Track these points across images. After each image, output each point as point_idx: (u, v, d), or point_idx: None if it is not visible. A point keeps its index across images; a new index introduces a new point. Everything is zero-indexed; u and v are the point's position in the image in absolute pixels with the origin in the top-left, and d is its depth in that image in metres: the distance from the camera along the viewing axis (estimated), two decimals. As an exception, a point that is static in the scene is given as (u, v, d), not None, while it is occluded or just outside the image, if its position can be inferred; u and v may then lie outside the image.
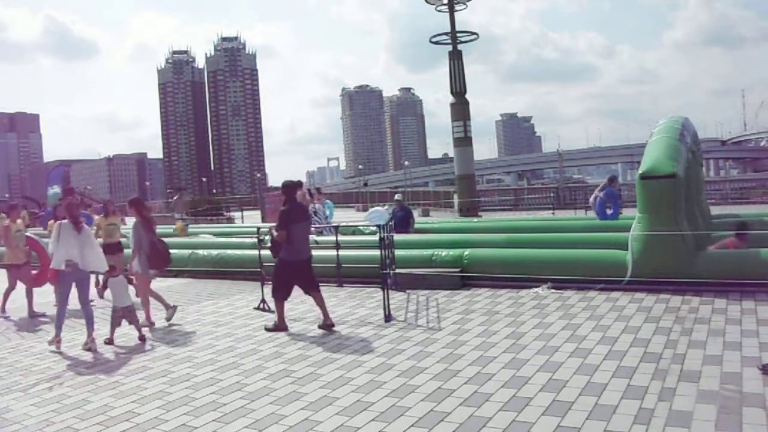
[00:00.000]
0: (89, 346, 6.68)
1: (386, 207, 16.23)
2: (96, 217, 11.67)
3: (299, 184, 7.42)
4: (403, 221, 13.06)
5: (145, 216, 7.85)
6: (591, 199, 13.38)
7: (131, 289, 7.46)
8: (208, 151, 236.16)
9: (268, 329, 7.08)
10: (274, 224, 7.53)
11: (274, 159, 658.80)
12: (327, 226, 12.28)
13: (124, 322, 7.13)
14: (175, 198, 16.05)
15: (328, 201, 14.96)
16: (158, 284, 10.89)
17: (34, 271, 9.40)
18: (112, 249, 9.66)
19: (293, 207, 7.18)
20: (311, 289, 7.21)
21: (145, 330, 7.29)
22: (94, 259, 7.04)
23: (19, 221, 9.66)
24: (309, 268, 7.27)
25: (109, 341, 6.94)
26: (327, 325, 6.97)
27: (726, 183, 36.67)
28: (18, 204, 10.77)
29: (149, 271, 7.79)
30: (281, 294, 7.17)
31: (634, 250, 8.11)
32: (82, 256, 6.87)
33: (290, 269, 7.12)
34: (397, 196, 14.86)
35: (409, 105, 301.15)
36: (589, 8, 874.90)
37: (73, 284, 6.95)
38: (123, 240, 10.20)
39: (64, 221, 7.03)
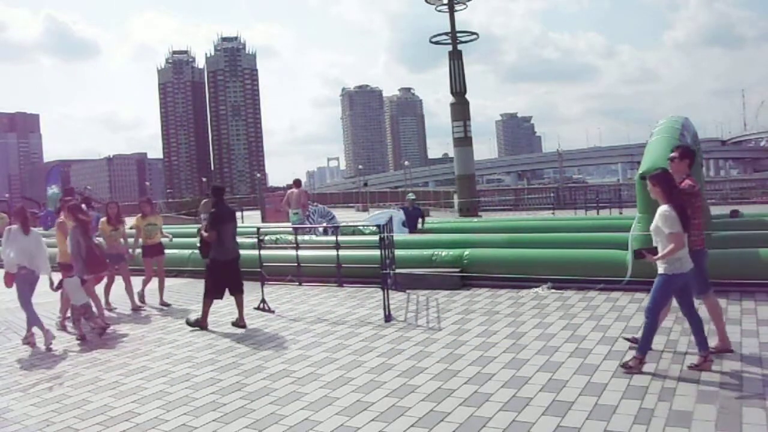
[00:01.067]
0: (28, 341, 7.20)
1: (396, 209, 16.23)
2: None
3: (222, 189, 8.07)
4: (414, 221, 13.28)
5: (81, 221, 7.91)
6: None
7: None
8: (208, 151, 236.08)
9: (189, 323, 7.51)
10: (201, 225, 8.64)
11: (274, 159, 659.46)
12: (329, 227, 12.35)
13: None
14: (204, 201, 15.75)
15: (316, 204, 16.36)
16: (154, 284, 10.90)
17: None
18: (153, 251, 9.36)
19: (222, 208, 7.56)
20: (236, 290, 7.47)
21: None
22: (42, 262, 7.33)
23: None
24: (237, 268, 7.57)
25: (81, 337, 7.28)
26: (240, 325, 7.33)
27: (726, 183, 36.69)
28: (71, 200, 9.65)
29: (85, 276, 7.80)
30: (213, 294, 7.44)
31: (634, 250, 8.10)
32: (31, 258, 7.18)
33: (220, 269, 7.42)
34: (410, 195, 14.90)
35: (409, 105, 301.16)
36: (590, 8, 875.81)
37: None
38: (164, 240, 9.76)
39: (13, 226, 7.38)
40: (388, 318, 7.20)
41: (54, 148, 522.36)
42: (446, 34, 23.07)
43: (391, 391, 4.79)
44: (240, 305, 7.45)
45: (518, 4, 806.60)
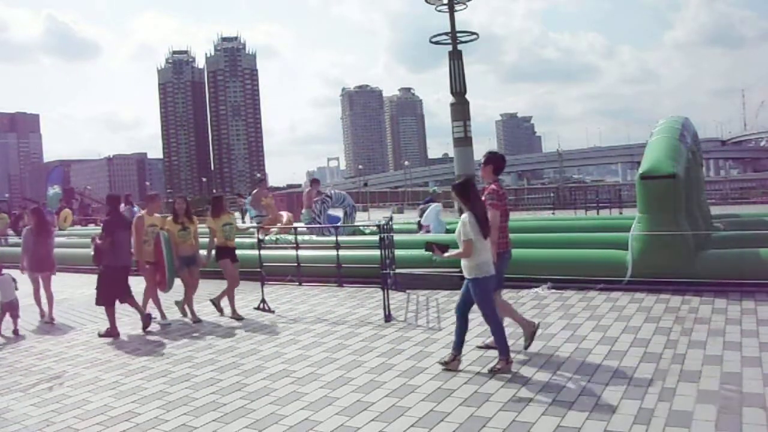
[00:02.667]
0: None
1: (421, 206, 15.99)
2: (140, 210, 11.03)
3: (118, 197, 9.19)
4: (438, 214, 13.53)
5: (41, 223, 8.90)
6: None
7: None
8: (208, 151, 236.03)
9: (101, 335, 7.45)
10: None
11: (274, 159, 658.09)
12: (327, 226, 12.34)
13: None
14: (254, 192, 14.94)
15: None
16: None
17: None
18: (231, 254, 8.22)
19: (116, 216, 8.09)
20: (126, 296, 7.73)
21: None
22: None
23: (156, 215, 8.18)
24: (127, 275, 7.83)
25: (15, 332, 7.84)
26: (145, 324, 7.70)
27: (726, 183, 36.69)
28: (156, 194, 8.58)
29: (32, 273, 8.70)
30: (108, 300, 7.57)
31: (634, 250, 8.11)
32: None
33: (114, 275, 7.63)
34: (433, 188, 14.93)
35: (409, 105, 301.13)
36: (590, 8, 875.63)
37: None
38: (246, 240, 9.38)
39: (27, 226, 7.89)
40: (388, 318, 7.20)
41: (54, 148, 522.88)
42: (446, 34, 23.06)
43: (391, 391, 4.79)
44: (137, 306, 7.77)
45: (518, 4, 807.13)
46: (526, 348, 5.63)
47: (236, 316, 7.93)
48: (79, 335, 7.58)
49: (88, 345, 7.04)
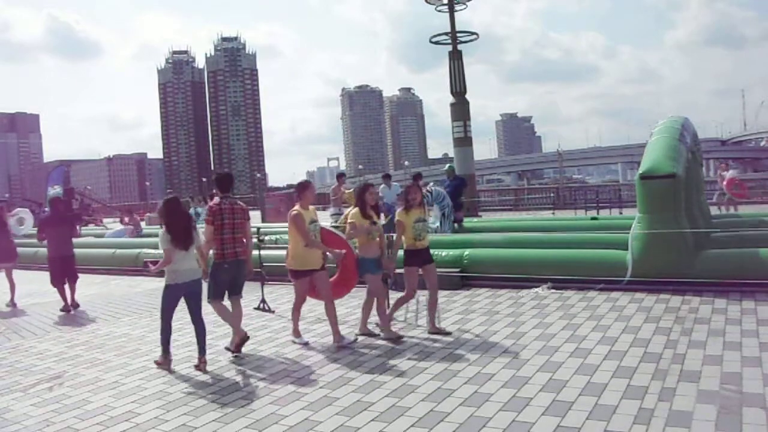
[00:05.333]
0: None
1: (431, 185, 14.79)
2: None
3: (57, 200, 10.95)
4: (456, 191, 13.06)
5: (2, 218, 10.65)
6: None
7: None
8: (208, 151, 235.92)
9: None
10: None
11: (274, 159, 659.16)
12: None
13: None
14: (333, 187, 13.99)
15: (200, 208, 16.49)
16: (159, 284, 10.88)
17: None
18: (422, 256, 6.73)
19: (53, 213, 10.07)
20: (72, 279, 9.50)
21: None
22: None
23: (311, 207, 6.51)
24: (63, 264, 9.49)
25: None
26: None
27: (746, 182, 36.54)
28: (309, 182, 6.85)
29: None
30: (56, 282, 9.47)
31: (634, 250, 8.11)
32: None
33: (53, 263, 9.50)
34: (448, 166, 14.44)
35: (409, 105, 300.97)
36: (591, 8, 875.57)
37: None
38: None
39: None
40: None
41: (54, 148, 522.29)
42: (446, 34, 23.05)
43: (391, 391, 4.79)
44: (71, 292, 9.39)
45: (519, 4, 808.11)
46: (229, 350, 6.16)
47: (438, 330, 6.55)
48: (79, 335, 7.57)
49: (88, 345, 7.04)
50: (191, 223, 5.95)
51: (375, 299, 6.60)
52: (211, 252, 6.21)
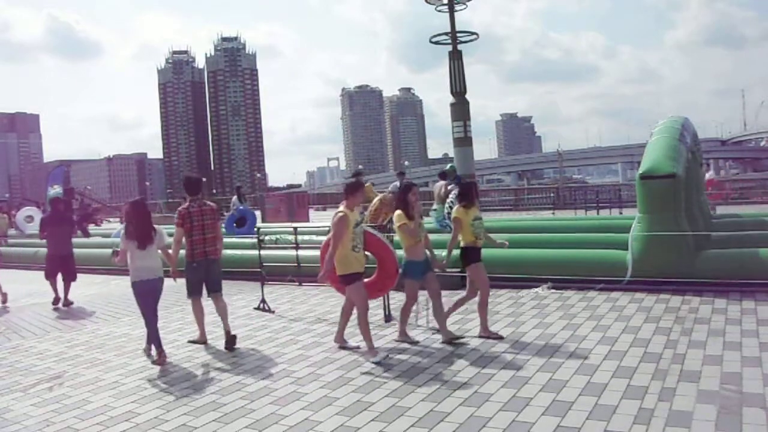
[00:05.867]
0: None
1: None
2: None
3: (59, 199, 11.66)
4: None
5: None
6: None
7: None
8: (208, 151, 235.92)
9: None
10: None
11: (274, 159, 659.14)
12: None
13: None
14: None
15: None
16: (168, 284, 10.90)
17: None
18: (478, 254, 6.44)
19: (53, 214, 10.45)
20: (52, 275, 9.94)
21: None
22: None
23: (355, 210, 5.97)
24: (60, 262, 9.96)
25: None
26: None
27: (726, 183, 36.63)
28: (360, 182, 6.34)
29: None
30: (50, 275, 9.98)
31: (634, 250, 8.11)
32: None
33: (51, 259, 10.06)
34: (449, 166, 13.99)
35: (409, 105, 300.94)
36: (591, 8, 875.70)
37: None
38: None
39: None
40: (388, 318, 7.19)
41: (54, 148, 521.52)
42: (446, 34, 23.04)
43: (391, 391, 4.79)
44: (66, 288, 9.88)
45: (519, 4, 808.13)
46: (193, 342, 6.75)
47: (490, 335, 6.17)
48: (79, 335, 7.58)
49: (88, 345, 7.04)
50: (151, 225, 6.21)
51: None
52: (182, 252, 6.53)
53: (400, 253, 6.49)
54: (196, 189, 6.68)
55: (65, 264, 9.93)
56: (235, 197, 16.85)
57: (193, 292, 6.54)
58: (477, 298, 6.30)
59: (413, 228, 6.08)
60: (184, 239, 6.47)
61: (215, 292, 6.63)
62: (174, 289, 10.35)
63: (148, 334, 6.24)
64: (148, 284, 6.11)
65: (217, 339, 6.86)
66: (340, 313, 6.32)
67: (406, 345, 6.10)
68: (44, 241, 10.38)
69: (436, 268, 6.35)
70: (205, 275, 6.55)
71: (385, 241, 6.49)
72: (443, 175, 13.49)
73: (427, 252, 6.34)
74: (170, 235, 6.62)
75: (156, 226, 6.28)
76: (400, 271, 6.33)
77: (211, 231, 6.54)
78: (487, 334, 6.19)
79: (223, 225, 13.07)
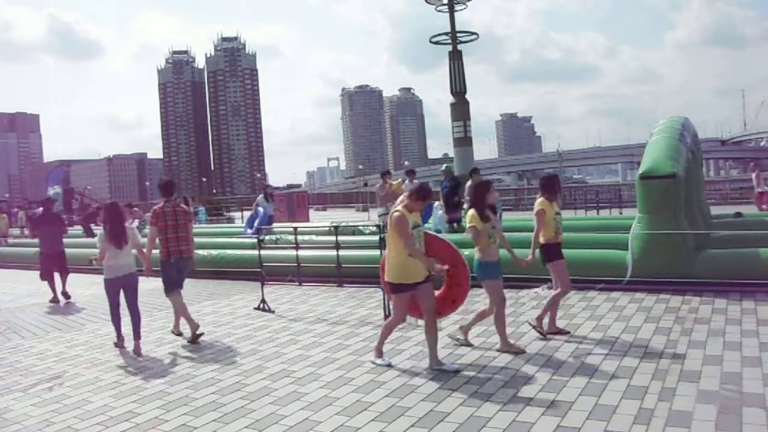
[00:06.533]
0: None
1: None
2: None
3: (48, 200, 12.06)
4: (453, 192, 12.30)
5: None
6: None
7: None
8: (208, 151, 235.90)
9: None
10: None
11: (274, 159, 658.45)
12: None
13: None
14: (378, 185, 12.85)
15: (200, 207, 17.67)
16: (159, 284, 10.91)
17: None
18: (559, 250, 6.40)
19: (44, 215, 11.07)
20: (48, 274, 10.31)
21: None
22: None
23: (414, 214, 5.32)
24: (53, 260, 10.40)
25: None
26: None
27: (726, 183, 36.63)
28: (430, 191, 5.59)
29: None
30: (44, 275, 10.37)
31: (634, 250, 8.11)
32: None
33: (44, 258, 10.46)
34: (445, 166, 13.84)
35: (409, 105, 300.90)
36: (591, 8, 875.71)
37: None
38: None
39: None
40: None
41: (54, 148, 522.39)
42: (446, 34, 23.06)
43: (391, 391, 4.79)
44: (62, 283, 10.27)
45: (519, 4, 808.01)
46: (173, 333, 7.15)
47: (559, 330, 6.08)
48: (79, 335, 7.57)
49: (88, 345, 7.04)
50: (124, 226, 6.72)
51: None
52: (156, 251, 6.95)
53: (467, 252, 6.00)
54: (170, 191, 7.10)
55: (59, 261, 10.31)
56: (261, 196, 16.21)
57: (170, 289, 6.94)
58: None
59: (482, 230, 5.64)
60: (158, 239, 6.88)
61: (178, 287, 7.07)
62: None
63: (114, 325, 6.75)
64: (124, 280, 6.57)
65: (217, 338, 6.87)
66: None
67: (406, 345, 6.09)
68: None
69: (523, 265, 6.03)
70: (178, 272, 6.98)
71: (453, 246, 5.79)
72: (411, 173, 13.75)
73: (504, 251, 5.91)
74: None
75: (127, 225, 6.84)
76: (473, 275, 5.78)
77: (183, 230, 6.96)
78: (555, 330, 6.07)
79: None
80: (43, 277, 10.30)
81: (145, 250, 6.86)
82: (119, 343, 6.73)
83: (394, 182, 12.72)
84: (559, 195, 6.36)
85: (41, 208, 11.95)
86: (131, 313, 6.60)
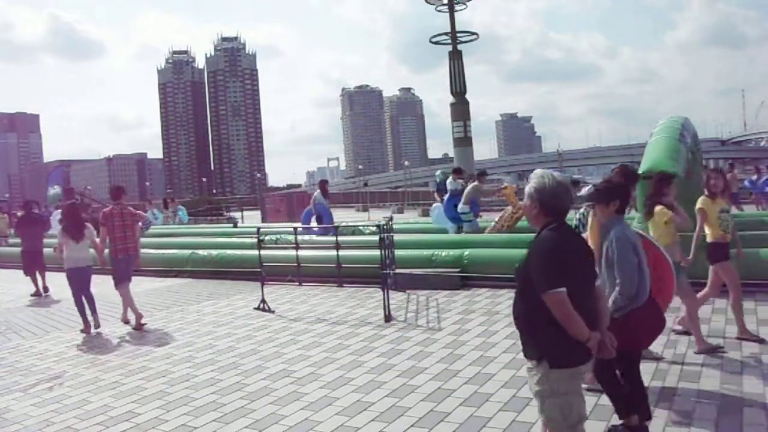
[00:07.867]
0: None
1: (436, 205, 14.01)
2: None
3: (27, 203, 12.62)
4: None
5: None
6: None
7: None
8: (208, 151, 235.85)
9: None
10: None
11: (274, 159, 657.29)
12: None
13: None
14: (473, 184, 12.42)
15: (180, 207, 18.79)
16: (159, 284, 10.93)
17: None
18: (726, 251, 5.93)
19: (28, 215, 11.84)
20: (30, 270, 11.08)
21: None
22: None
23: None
24: (33, 258, 11.15)
25: None
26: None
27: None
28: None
29: None
30: (26, 271, 11.21)
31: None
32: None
33: (26, 256, 11.27)
34: (438, 173, 13.81)
35: (409, 105, 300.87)
36: (591, 8, 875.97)
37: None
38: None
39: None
40: (388, 318, 7.19)
41: (54, 148, 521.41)
42: (446, 34, 23.08)
43: (391, 391, 4.79)
44: (42, 277, 11.03)
45: (520, 4, 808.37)
46: (127, 323, 7.82)
47: (750, 336, 5.60)
48: (79, 335, 7.57)
49: (88, 345, 7.04)
50: (82, 223, 7.82)
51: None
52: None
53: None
54: (118, 196, 8.06)
55: (37, 258, 11.14)
56: (318, 192, 15.36)
57: (118, 282, 7.80)
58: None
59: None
60: (108, 238, 7.76)
61: (125, 281, 7.88)
62: (173, 290, 10.41)
63: (79, 311, 7.61)
64: (81, 271, 7.64)
65: (217, 338, 6.87)
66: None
67: (406, 345, 6.09)
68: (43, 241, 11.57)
69: (683, 264, 5.58)
70: (126, 267, 7.85)
71: (662, 251, 4.74)
72: (458, 171, 13.62)
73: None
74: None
75: (87, 224, 7.90)
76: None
77: (130, 230, 7.87)
78: (746, 335, 5.62)
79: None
80: (26, 273, 11.12)
81: (98, 247, 7.79)
82: (86, 329, 7.51)
83: (507, 188, 12.55)
84: (726, 192, 6.15)
85: (22, 212, 12.81)
86: (86, 298, 7.62)
